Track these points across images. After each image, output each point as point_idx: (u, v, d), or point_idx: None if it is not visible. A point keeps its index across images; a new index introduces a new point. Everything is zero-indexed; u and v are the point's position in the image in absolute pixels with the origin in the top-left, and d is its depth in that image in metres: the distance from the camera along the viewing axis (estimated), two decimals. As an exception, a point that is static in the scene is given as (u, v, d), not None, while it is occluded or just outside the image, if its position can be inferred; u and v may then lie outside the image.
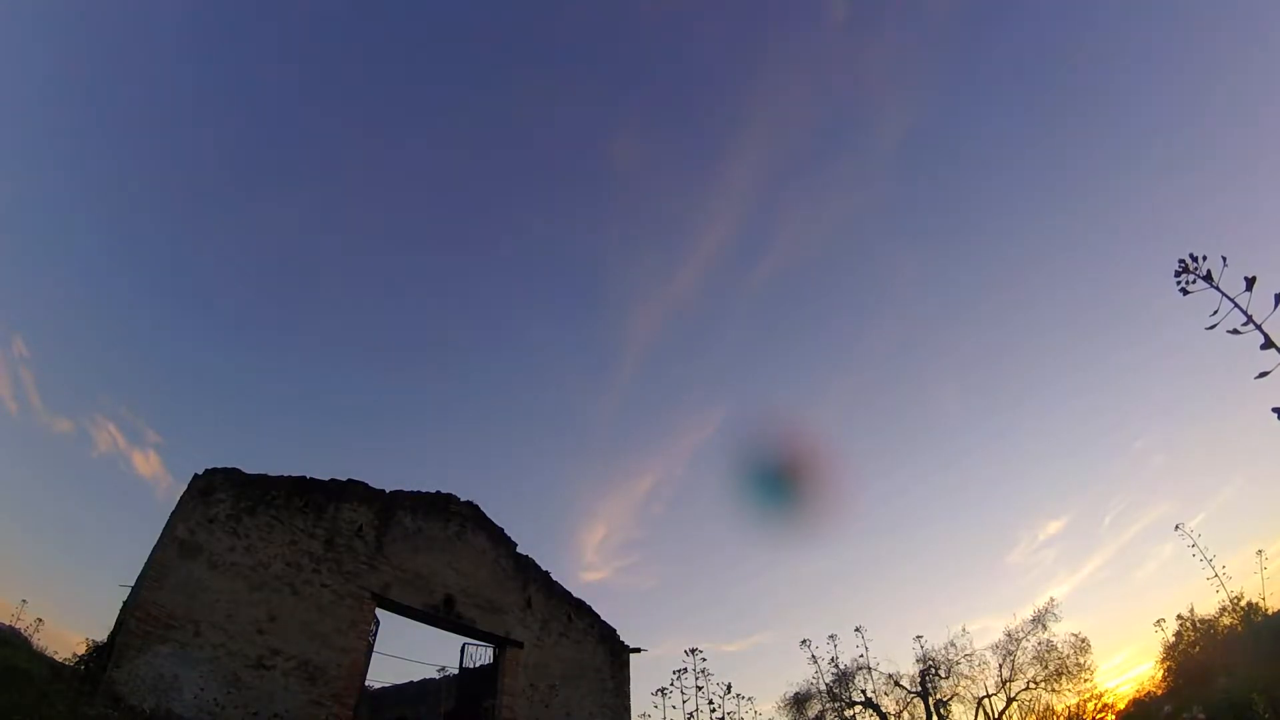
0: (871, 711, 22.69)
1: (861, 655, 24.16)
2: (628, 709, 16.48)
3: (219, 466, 12.67)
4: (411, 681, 20.11)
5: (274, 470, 13.52)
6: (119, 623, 10.57)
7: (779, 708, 23.61)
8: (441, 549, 15.13)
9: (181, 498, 12.01)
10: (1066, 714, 20.19)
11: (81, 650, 10.34)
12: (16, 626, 15.57)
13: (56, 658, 12.75)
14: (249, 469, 12.97)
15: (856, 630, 20.78)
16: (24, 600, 18.10)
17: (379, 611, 13.97)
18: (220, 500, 12.32)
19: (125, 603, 10.82)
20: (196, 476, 12.33)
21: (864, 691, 23.00)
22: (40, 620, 17.11)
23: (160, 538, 11.48)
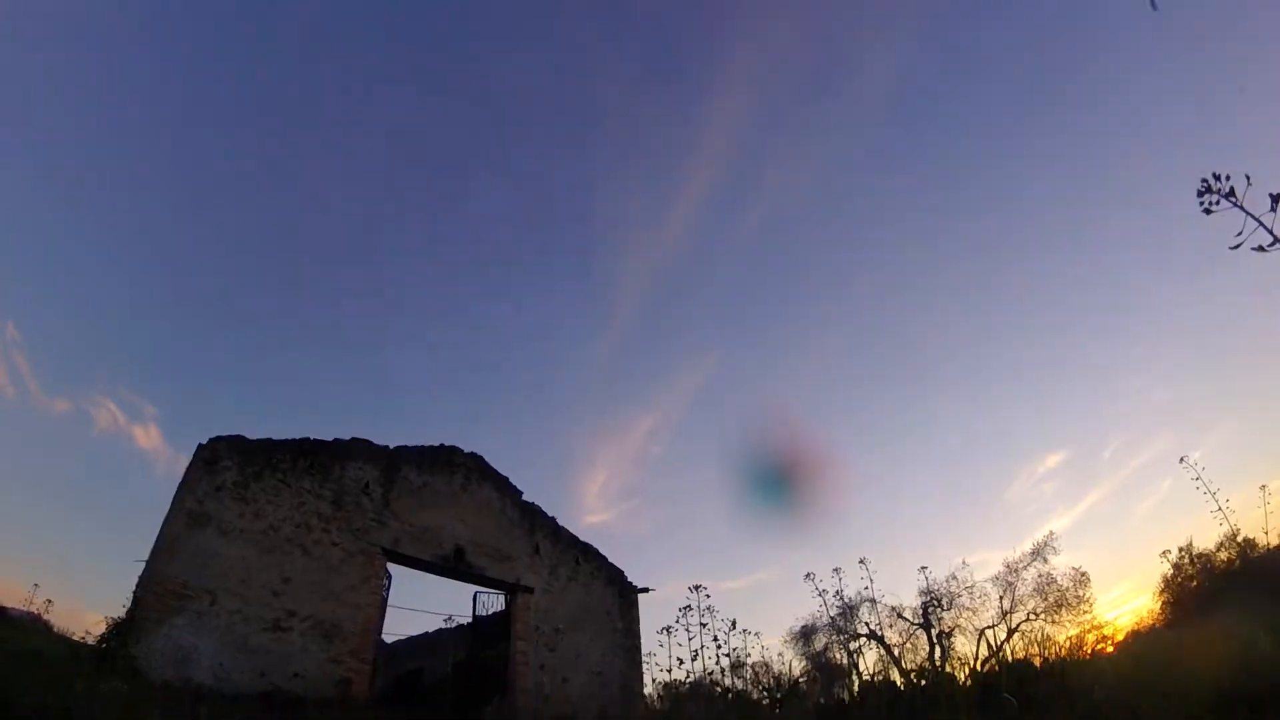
0: (875, 643, 23.38)
1: (865, 589, 24.80)
2: (638, 648, 17.01)
3: (222, 435, 12.69)
4: (426, 632, 20.67)
5: (276, 434, 13.57)
6: (135, 598, 10.74)
7: (785, 641, 24.29)
8: (448, 501, 15.32)
9: (187, 469, 12.05)
10: (1067, 645, 20.87)
11: (100, 629, 10.55)
12: (35, 611, 15.87)
13: (75, 638, 13.05)
14: (250, 434, 12.99)
15: (860, 563, 21.15)
16: (35, 585, 18.35)
17: (391, 566, 14.25)
18: (226, 468, 12.37)
19: (141, 577, 10.97)
20: (201, 446, 12.34)
21: (868, 624, 23.55)
22: (50, 602, 17.36)
23: (169, 510, 11.55)
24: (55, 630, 14.33)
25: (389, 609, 14.52)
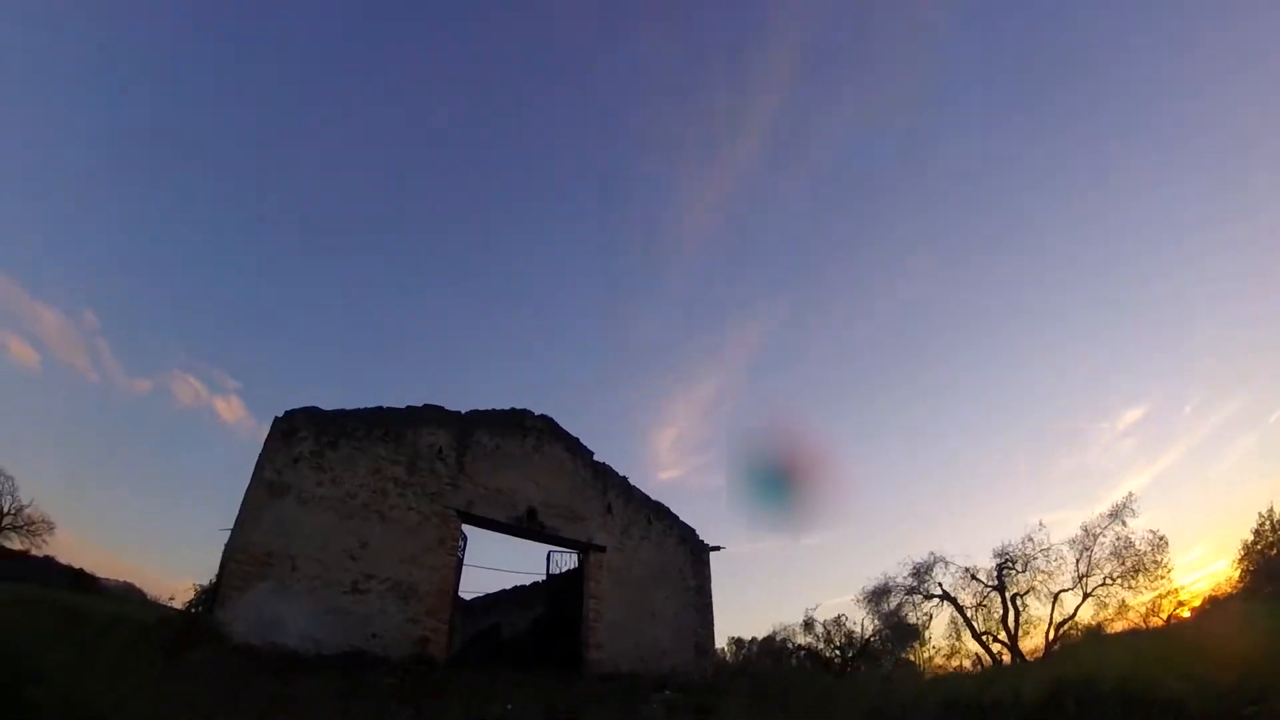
0: (948, 604, 22.91)
1: (939, 549, 24.25)
2: (710, 606, 17.08)
3: (298, 408, 13.24)
4: (504, 590, 21.41)
5: (353, 402, 14.10)
6: (222, 566, 11.50)
7: (857, 601, 24.16)
8: (520, 463, 15.59)
9: (266, 441, 12.67)
10: (1143, 611, 19.70)
11: (188, 596, 11.37)
12: (128, 582, 17.40)
13: (165, 604, 14.20)
14: (328, 401, 13.53)
15: (934, 526, 20.56)
16: (127, 555, 19.93)
17: (465, 527, 14.72)
18: (303, 439, 12.94)
19: (226, 546, 11.73)
20: (278, 419, 12.94)
21: (940, 585, 23.21)
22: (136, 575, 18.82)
23: (251, 481, 12.23)
24: (148, 598, 15.64)
25: (465, 569, 15.09)
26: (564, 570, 16.47)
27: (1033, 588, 21.94)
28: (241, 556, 11.51)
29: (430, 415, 14.82)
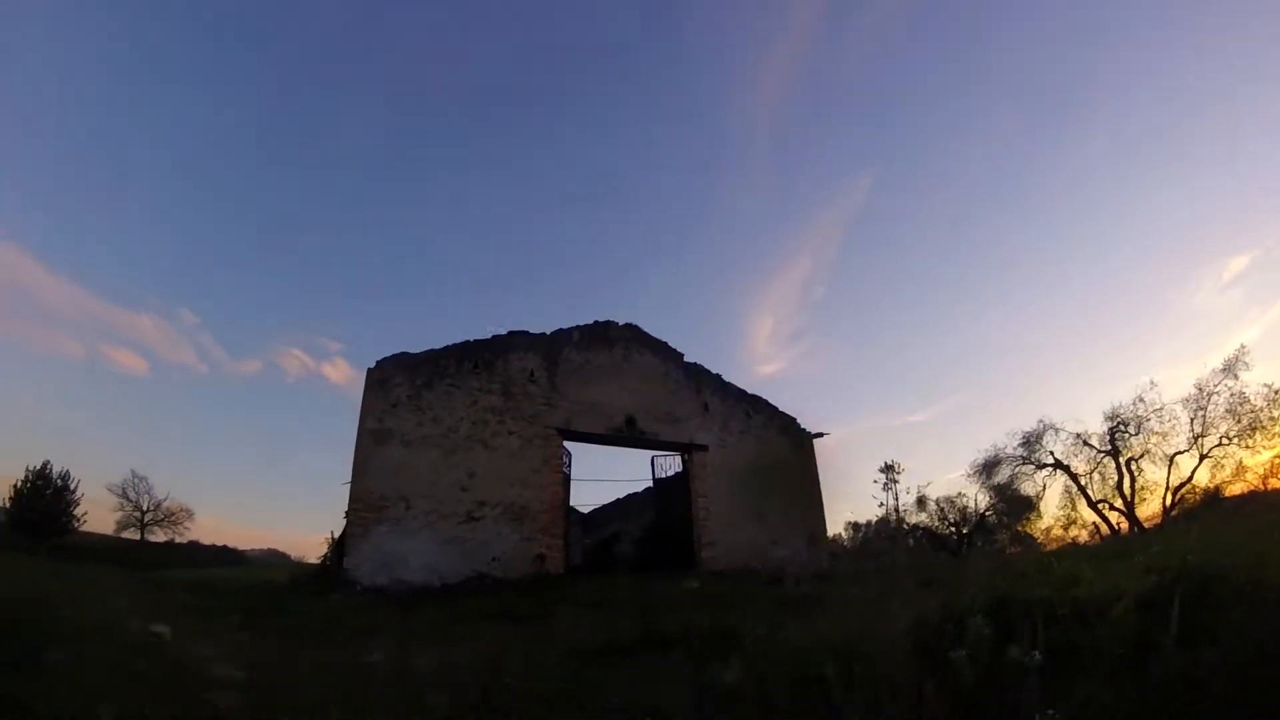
0: (1061, 472, 21.89)
1: (1047, 416, 22.82)
2: (818, 494, 17.02)
3: (387, 356, 13.69)
4: (618, 499, 22.00)
5: (446, 338, 14.44)
6: (345, 517, 12.37)
7: (969, 476, 23.41)
8: (611, 374, 15.67)
9: (364, 393, 13.23)
10: (1261, 472, 18.08)
11: (323, 550, 12.35)
12: (273, 549, 19.09)
13: (309, 562, 15.45)
14: (425, 337, 13.99)
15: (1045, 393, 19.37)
16: (268, 524, 21.79)
17: (568, 444, 15.12)
18: (397, 385, 13.43)
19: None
20: (370, 370, 13.44)
21: (1052, 453, 22.20)
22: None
23: (357, 434, 12.88)
24: (293, 559, 17.09)
25: (573, 483, 15.63)
26: (669, 474, 16.76)
27: (1147, 451, 20.65)
28: (358, 505, 12.32)
29: (517, 341, 14.99)
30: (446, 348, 14.28)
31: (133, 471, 43.37)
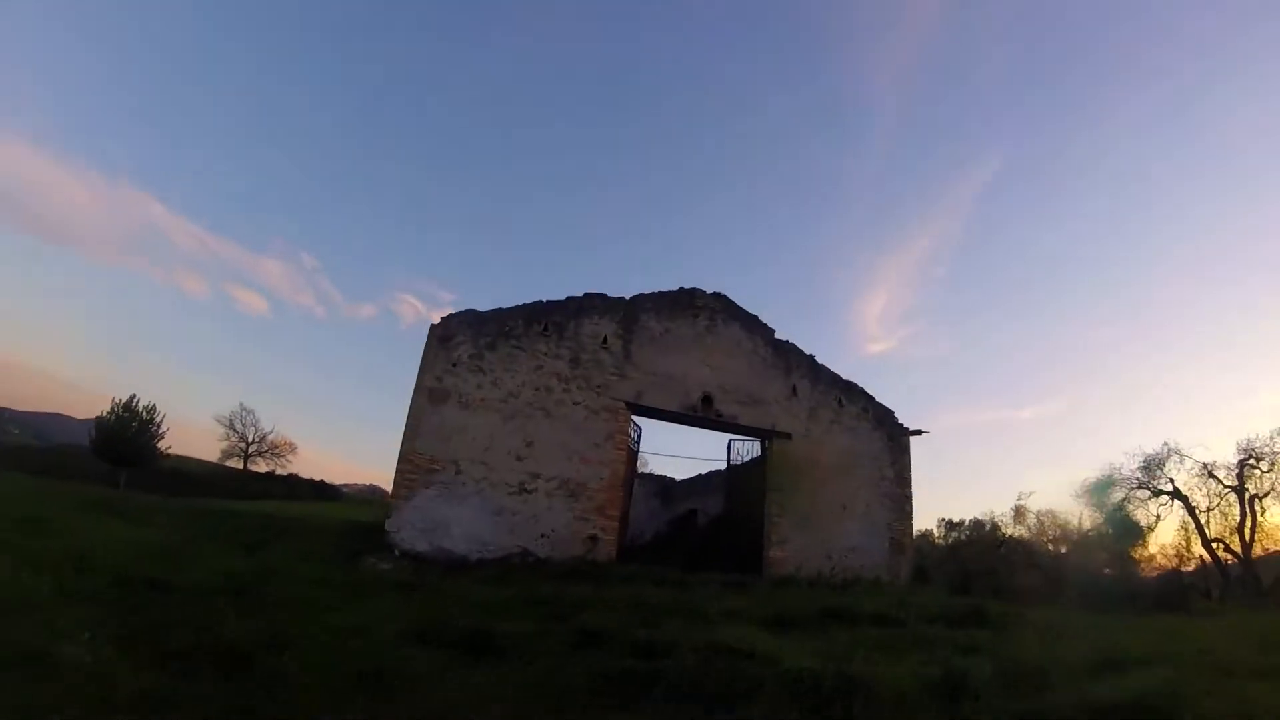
0: (1179, 503, 19.50)
1: (1171, 438, 20.79)
2: (908, 497, 15.29)
3: (455, 312, 13.09)
4: (700, 475, 20.82)
5: (555, 294, 13.72)
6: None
7: (1077, 495, 21.35)
8: (692, 347, 14.49)
9: (425, 349, 12.68)
10: None
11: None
12: (371, 485, 19.27)
13: None
14: (535, 293, 13.21)
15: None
16: (370, 462, 22.02)
17: (637, 418, 14.18)
18: (460, 343, 12.81)
19: (397, 456, 12.17)
20: (433, 326, 12.86)
21: (1171, 480, 20.04)
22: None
23: (413, 391, 12.38)
24: (385, 498, 17.11)
25: (642, 458, 14.72)
26: (745, 460, 15.55)
27: (1275, 488, 18.17)
28: (405, 465, 11.88)
29: (593, 304, 14.04)
30: (515, 307, 13.52)
31: (240, 404, 46.67)
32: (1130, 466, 20.88)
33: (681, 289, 14.89)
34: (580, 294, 14.06)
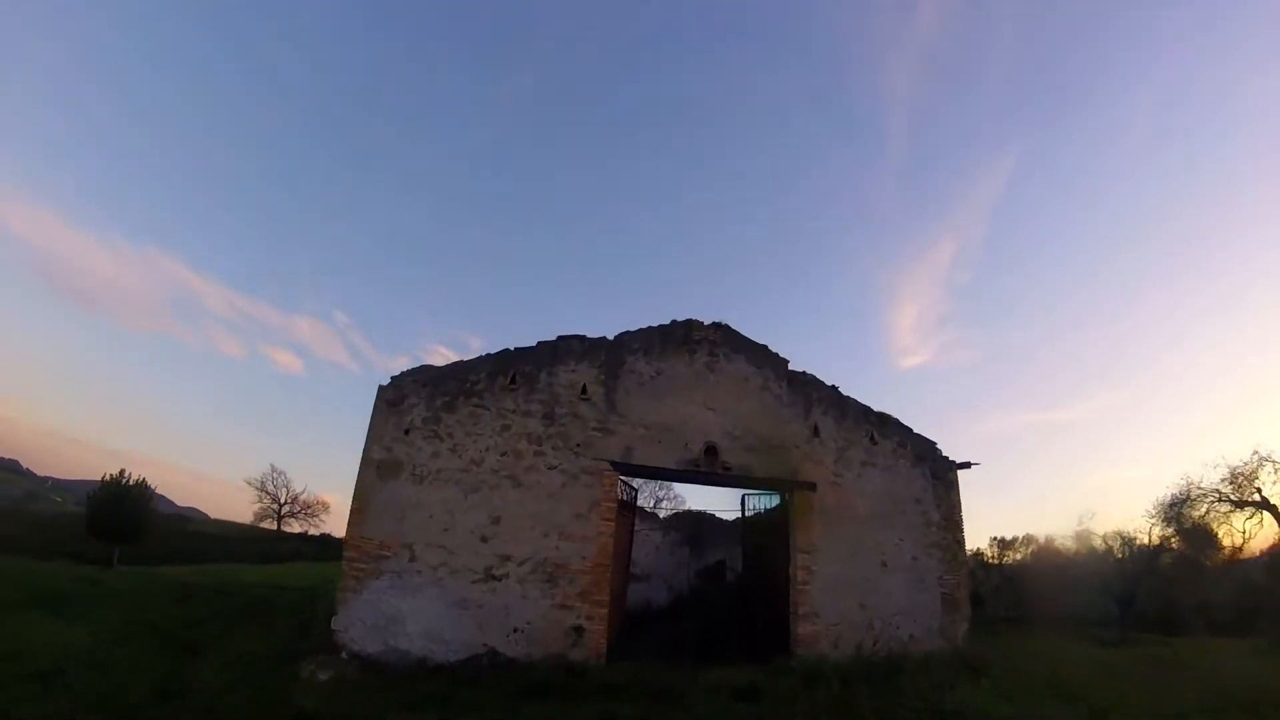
0: (1268, 514, 17.04)
1: (1263, 446, 18.20)
2: (960, 542, 12.75)
3: (406, 370, 11.41)
4: (728, 521, 18.47)
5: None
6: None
7: (1153, 517, 18.84)
8: (690, 389, 12.43)
9: (372, 415, 10.99)
10: None
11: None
12: None
13: None
14: (560, 327, 11.50)
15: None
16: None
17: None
18: (412, 405, 11.09)
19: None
20: (382, 388, 11.18)
21: (1259, 490, 17.85)
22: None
23: (360, 465, 10.67)
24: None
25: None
26: (761, 511, 13.30)
27: None
28: (352, 553, 10.11)
29: (569, 347, 12.16)
30: (476, 359, 11.74)
31: (271, 466, 46.81)
32: (1213, 479, 18.71)
33: (675, 321, 12.88)
34: (553, 337, 12.23)
